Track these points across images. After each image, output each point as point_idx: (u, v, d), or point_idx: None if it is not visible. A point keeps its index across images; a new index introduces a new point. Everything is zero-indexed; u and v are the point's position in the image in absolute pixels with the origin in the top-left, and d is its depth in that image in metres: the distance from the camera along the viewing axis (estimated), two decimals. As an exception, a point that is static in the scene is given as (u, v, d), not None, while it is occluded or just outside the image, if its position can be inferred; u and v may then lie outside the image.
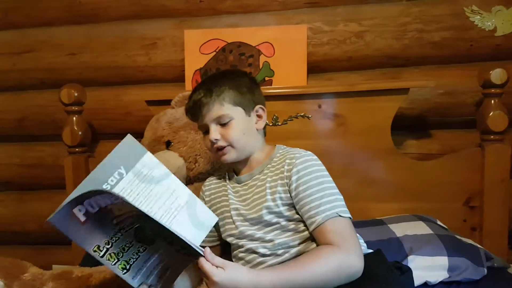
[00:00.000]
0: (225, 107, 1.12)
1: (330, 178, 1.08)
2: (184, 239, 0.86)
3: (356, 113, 1.69)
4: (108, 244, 0.90)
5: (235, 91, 1.13)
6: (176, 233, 0.85)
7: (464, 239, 1.46)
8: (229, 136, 1.12)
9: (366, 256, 1.06)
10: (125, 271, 0.91)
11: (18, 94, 2.12)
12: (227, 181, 1.23)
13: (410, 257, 1.33)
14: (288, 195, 1.07)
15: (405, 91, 1.66)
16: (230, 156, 1.14)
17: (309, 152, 1.12)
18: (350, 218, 1.03)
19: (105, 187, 0.89)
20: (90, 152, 1.99)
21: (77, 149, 1.86)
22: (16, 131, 2.14)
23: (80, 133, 1.84)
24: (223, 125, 1.12)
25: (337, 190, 1.06)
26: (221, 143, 1.13)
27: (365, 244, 1.14)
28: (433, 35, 1.80)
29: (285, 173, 1.08)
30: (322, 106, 1.70)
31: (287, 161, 1.09)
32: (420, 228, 1.46)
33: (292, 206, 1.07)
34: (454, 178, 1.67)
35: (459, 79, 1.80)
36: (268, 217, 1.08)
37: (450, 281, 1.30)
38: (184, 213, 1.00)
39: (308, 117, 1.71)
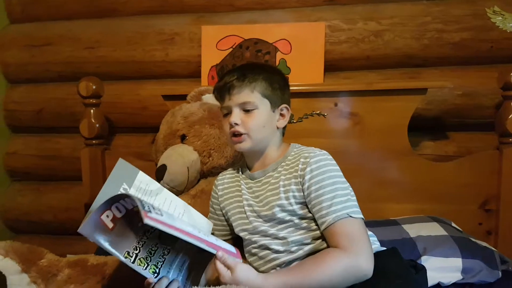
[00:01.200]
0: (254, 95, 1.12)
1: (344, 179, 1.07)
2: (198, 244, 0.89)
3: (373, 112, 1.68)
4: (136, 250, 0.93)
5: (267, 84, 1.13)
6: (190, 241, 0.88)
7: (478, 242, 1.45)
8: (249, 124, 1.11)
9: (382, 254, 1.06)
10: (155, 275, 0.94)
11: (36, 86, 2.16)
12: (241, 176, 1.23)
13: (423, 258, 1.32)
14: (302, 193, 1.07)
15: (422, 91, 1.65)
16: (245, 145, 1.14)
17: (324, 151, 1.11)
18: (362, 218, 1.02)
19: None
20: (107, 145, 2.00)
21: (94, 141, 1.88)
22: (34, 123, 2.17)
23: (97, 125, 1.86)
24: (247, 112, 1.12)
25: (349, 191, 1.05)
26: (240, 129, 1.12)
27: (378, 242, 1.14)
28: (453, 36, 1.78)
29: (299, 172, 1.08)
30: (338, 105, 1.70)
31: (302, 160, 1.09)
32: (434, 229, 1.45)
33: (305, 204, 1.07)
34: (470, 180, 1.65)
35: (479, 80, 1.78)
36: (281, 215, 1.08)
37: (463, 283, 1.29)
38: (185, 220, 1.06)
39: (323, 115, 1.70)
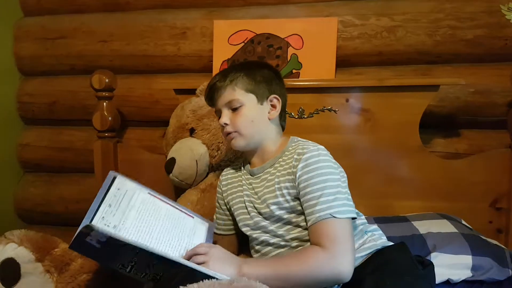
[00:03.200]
0: (237, 92, 1.14)
1: (336, 176, 1.05)
2: (163, 255, 0.89)
3: (384, 108, 1.67)
4: (132, 262, 0.91)
5: (249, 79, 1.16)
6: (157, 253, 0.88)
7: (489, 240, 1.44)
8: (237, 123, 1.14)
9: (390, 248, 1.06)
10: (156, 281, 0.92)
11: (50, 79, 2.18)
12: (242, 171, 1.24)
13: (433, 254, 1.32)
14: (295, 190, 1.06)
15: (435, 88, 1.64)
16: (238, 142, 1.16)
17: (320, 147, 1.09)
18: (352, 218, 1.01)
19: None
20: (119, 138, 2.01)
21: (106, 134, 1.89)
22: (47, 115, 2.19)
23: (109, 118, 1.87)
24: (234, 110, 1.15)
25: (340, 189, 1.03)
26: (229, 128, 1.15)
27: (384, 237, 1.14)
28: (466, 32, 1.75)
29: (292, 168, 1.07)
30: (350, 101, 1.69)
31: (295, 156, 1.08)
32: (444, 226, 1.45)
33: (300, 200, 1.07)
34: (481, 178, 1.64)
35: (492, 78, 1.75)
36: (278, 213, 1.08)
37: (473, 280, 1.29)
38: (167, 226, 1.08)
39: (334, 111, 1.70)
